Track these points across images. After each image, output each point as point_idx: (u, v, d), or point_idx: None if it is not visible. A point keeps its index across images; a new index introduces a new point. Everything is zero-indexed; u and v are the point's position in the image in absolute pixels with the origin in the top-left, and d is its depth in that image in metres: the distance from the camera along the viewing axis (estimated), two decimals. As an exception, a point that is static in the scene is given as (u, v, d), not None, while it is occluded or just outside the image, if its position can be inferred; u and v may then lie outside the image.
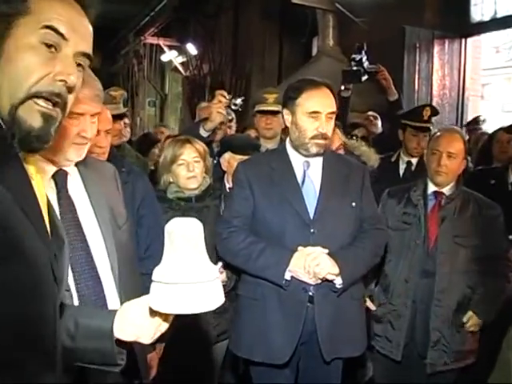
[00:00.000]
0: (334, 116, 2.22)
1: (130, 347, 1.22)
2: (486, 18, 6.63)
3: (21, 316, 0.91)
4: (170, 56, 14.21)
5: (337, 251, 2.10)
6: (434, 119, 6.64)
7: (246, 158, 2.62)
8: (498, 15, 6.46)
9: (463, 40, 6.75)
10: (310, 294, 2.13)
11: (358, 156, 3.14)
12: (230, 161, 2.82)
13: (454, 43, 6.71)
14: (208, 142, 2.96)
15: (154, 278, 1.03)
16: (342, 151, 3.07)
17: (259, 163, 2.31)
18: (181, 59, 13.91)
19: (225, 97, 3.15)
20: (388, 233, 2.43)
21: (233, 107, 3.31)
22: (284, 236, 2.14)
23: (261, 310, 2.16)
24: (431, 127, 3.48)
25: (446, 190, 2.54)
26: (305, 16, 8.36)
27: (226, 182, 2.89)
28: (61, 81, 0.95)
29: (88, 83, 1.45)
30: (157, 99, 14.97)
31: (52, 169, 1.50)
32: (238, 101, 3.32)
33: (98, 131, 1.75)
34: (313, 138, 2.18)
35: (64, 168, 1.52)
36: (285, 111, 2.28)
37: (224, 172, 2.92)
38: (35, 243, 0.94)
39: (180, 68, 13.76)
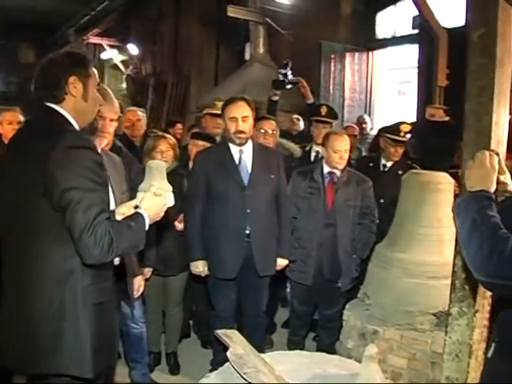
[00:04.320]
0: (248, 118, 3.24)
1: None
2: (388, 36, 8.00)
3: None
4: (110, 54, 14.88)
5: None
6: (346, 118, 7.91)
7: (202, 143, 3.82)
8: (397, 34, 7.85)
9: (370, 53, 8.08)
10: (247, 232, 3.26)
11: (287, 149, 4.38)
12: (192, 147, 3.94)
13: (362, 55, 8.01)
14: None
15: (139, 190, 1.94)
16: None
17: (210, 152, 3.42)
18: (121, 57, 14.64)
19: None
20: (291, 200, 3.60)
21: None
22: (228, 197, 3.25)
23: (216, 245, 3.27)
24: (330, 120, 4.43)
25: (337, 171, 3.67)
26: (239, 25, 9.35)
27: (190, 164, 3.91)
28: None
29: (107, 101, 2.56)
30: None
31: None
32: None
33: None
34: (234, 133, 3.25)
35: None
36: (223, 119, 3.39)
37: (189, 158, 3.96)
38: None
39: (121, 66, 14.50)
